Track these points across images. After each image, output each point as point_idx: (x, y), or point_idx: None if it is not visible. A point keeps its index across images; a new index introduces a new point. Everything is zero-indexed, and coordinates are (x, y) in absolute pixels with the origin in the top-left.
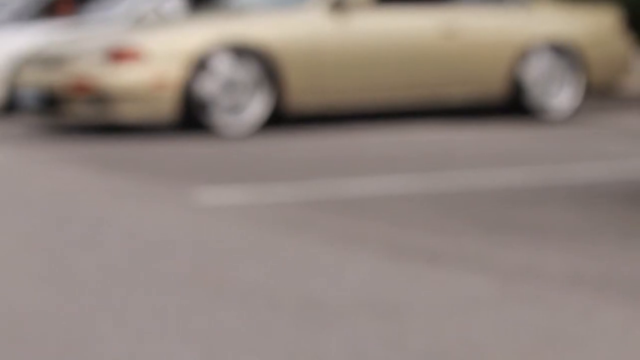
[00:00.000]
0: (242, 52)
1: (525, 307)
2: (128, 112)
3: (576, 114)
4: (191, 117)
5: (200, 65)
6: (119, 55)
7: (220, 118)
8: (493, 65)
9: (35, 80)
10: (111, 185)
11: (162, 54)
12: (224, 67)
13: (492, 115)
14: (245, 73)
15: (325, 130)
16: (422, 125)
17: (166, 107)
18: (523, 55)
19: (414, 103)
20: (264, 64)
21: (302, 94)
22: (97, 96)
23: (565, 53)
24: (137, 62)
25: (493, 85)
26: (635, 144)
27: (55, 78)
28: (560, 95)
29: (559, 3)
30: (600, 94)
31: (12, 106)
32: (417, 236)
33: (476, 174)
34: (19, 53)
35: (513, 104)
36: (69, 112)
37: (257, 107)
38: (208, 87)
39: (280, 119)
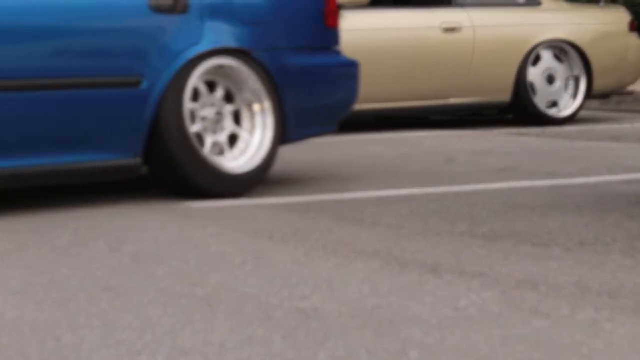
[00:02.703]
0: None
1: (527, 319)
2: None
3: (583, 118)
4: None
5: None
6: None
7: None
8: (498, 68)
9: None
10: (101, 192)
11: None
12: None
13: (495, 118)
14: None
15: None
16: (422, 128)
17: None
18: (529, 56)
19: (416, 106)
20: None
21: None
22: None
23: (573, 55)
24: None
25: (498, 88)
26: None
27: None
28: (567, 98)
29: (567, 4)
30: (608, 97)
31: None
32: (416, 245)
33: (477, 181)
34: None
35: (517, 107)
36: None
37: None
38: None
39: None
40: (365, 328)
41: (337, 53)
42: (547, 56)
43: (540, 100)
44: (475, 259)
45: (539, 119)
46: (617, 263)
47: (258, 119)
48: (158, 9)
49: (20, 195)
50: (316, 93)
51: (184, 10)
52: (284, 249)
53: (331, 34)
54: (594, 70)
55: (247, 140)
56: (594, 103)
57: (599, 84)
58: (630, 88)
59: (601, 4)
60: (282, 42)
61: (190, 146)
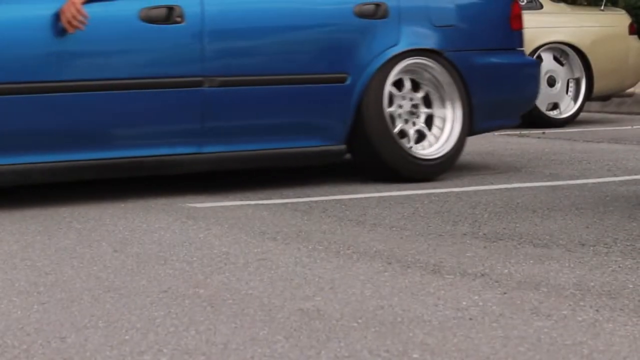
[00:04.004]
0: None
1: (529, 320)
2: None
3: (583, 120)
4: None
5: None
6: None
7: None
8: None
9: None
10: (105, 193)
11: None
12: None
13: None
14: None
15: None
16: None
17: None
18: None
19: None
20: None
21: None
22: None
23: (574, 57)
24: None
25: None
26: None
27: None
28: (567, 101)
29: (568, 8)
30: (609, 99)
31: None
32: (418, 246)
33: (479, 183)
34: None
35: None
36: None
37: None
38: None
39: None
40: (368, 329)
41: (521, 53)
42: (548, 59)
43: (541, 103)
44: (476, 260)
45: (540, 121)
46: (618, 264)
47: (449, 113)
48: (362, 15)
49: (25, 196)
50: (501, 90)
51: (385, 15)
52: (287, 250)
53: (516, 36)
54: (594, 72)
55: (437, 133)
56: (595, 105)
57: (599, 86)
58: (631, 90)
59: (602, 7)
60: (471, 44)
61: (388, 135)
